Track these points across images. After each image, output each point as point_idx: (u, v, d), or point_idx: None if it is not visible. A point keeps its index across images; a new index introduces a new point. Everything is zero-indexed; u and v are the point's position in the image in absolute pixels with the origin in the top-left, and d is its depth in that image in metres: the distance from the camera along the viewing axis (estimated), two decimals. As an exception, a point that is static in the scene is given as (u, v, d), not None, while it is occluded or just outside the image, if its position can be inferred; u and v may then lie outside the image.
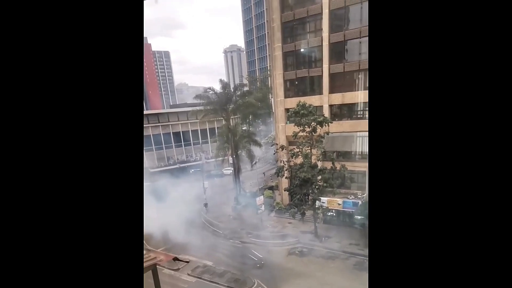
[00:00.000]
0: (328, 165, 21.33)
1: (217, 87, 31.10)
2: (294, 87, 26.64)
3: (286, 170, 23.19)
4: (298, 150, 21.21)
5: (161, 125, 42.35)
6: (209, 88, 30.65)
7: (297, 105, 20.95)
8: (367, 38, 20.90)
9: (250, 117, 49.78)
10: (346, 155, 24.24)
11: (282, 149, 23.63)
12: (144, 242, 16.82)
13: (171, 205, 20.71)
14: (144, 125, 38.61)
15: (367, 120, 22.78)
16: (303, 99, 22.35)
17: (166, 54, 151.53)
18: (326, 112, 23.66)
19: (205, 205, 29.65)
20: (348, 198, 22.98)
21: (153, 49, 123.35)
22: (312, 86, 25.34)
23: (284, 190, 24.68)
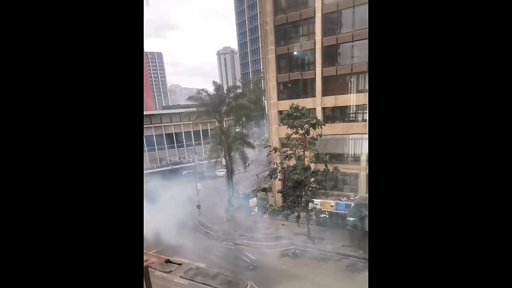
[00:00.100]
0: (321, 167, 21.45)
1: (210, 89, 31.10)
2: (287, 90, 26.79)
3: (279, 172, 23.27)
4: (291, 152, 21.30)
5: (153, 126, 42.00)
6: (202, 90, 30.58)
7: (290, 108, 21.05)
8: (359, 42, 21.24)
9: (243, 119, 49.88)
10: (338, 157, 24.48)
11: (275, 151, 23.69)
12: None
13: (163, 207, 20.47)
14: (136, 126, 38.04)
15: (360, 123, 23.04)
16: (296, 102, 22.48)
17: (159, 55, 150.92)
18: (319, 115, 23.85)
19: (198, 207, 29.46)
20: (341, 200, 23.17)
21: (145, 50, 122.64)
22: (305, 88, 25.52)
23: (277, 192, 24.72)
